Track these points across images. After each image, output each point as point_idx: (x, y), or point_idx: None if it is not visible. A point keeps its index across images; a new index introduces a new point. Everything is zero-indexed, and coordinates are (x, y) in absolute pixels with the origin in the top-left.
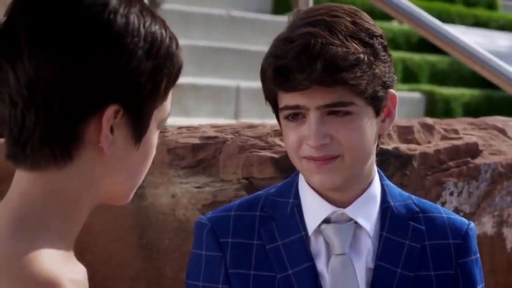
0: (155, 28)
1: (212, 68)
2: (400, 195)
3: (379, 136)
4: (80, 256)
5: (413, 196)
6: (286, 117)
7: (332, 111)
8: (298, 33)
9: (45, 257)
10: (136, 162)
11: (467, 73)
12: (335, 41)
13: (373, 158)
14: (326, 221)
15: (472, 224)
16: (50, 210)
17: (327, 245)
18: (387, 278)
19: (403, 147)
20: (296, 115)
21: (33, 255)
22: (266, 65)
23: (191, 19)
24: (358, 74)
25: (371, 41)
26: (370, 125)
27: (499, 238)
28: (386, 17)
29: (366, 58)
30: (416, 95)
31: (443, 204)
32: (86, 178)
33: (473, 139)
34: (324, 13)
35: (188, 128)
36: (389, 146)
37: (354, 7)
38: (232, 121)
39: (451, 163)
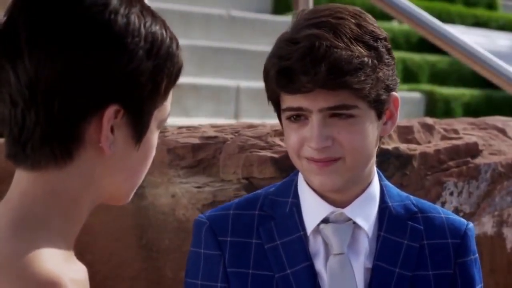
0: (156, 28)
1: (212, 68)
2: (399, 195)
3: (380, 137)
4: (80, 256)
5: (411, 197)
6: (288, 118)
7: (335, 113)
8: (302, 35)
9: (46, 256)
10: (136, 162)
11: (467, 73)
12: (340, 44)
13: (373, 159)
14: (325, 221)
15: (471, 224)
16: (50, 210)
17: (326, 244)
18: (385, 278)
19: (403, 147)
20: (299, 116)
21: (33, 255)
22: (269, 65)
23: (191, 19)
24: (362, 78)
25: (375, 44)
26: (372, 128)
27: (499, 238)
28: (386, 17)
29: (370, 62)
30: (416, 95)
31: (443, 204)
32: (86, 178)
33: (473, 139)
34: (329, 15)
35: (188, 128)
36: (389, 146)
37: (358, 9)
38: (232, 121)
39: (451, 163)
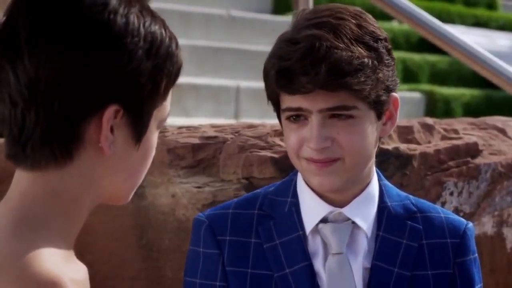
0: (155, 28)
1: (212, 68)
2: (398, 195)
3: (380, 138)
4: (80, 256)
5: (411, 196)
6: (288, 118)
7: (334, 114)
8: (302, 35)
9: (46, 256)
10: (136, 162)
11: (467, 73)
12: (340, 44)
13: (373, 160)
14: (324, 220)
15: (471, 224)
16: (50, 210)
17: (325, 244)
18: (384, 278)
19: (403, 147)
20: (298, 116)
21: (33, 254)
22: (269, 65)
23: (191, 19)
24: (362, 79)
25: (375, 44)
26: (371, 129)
27: (499, 238)
28: (386, 17)
29: (370, 63)
30: (416, 95)
31: (443, 204)
32: (86, 178)
33: (473, 139)
34: (329, 15)
35: (188, 128)
36: (389, 146)
37: (359, 9)
38: (232, 121)
39: (451, 163)
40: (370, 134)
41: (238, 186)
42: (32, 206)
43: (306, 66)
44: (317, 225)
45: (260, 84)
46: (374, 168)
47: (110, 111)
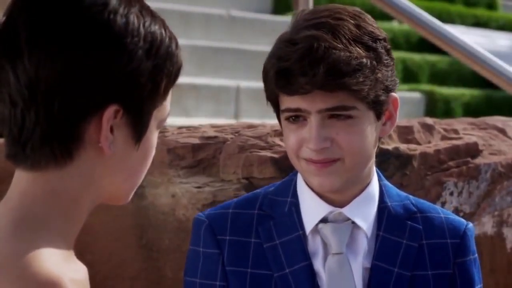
0: (155, 28)
1: (212, 68)
2: (398, 195)
3: (379, 138)
4: (80, 256)
5: (411, 197)
6: (287, 119)
7: (333, 114)
8: (301, 36)
9: (46, 256)
10: (136, 162)
11: (467, 73)
12: (338, 45)
13: (373, 160)
14: (324, 220)
15: (471, 225)
16: (50, 210)
17: (324, 244)
18: (384, 278)
19: (403, 147)
20: (297, 117)
21: (33, 254)
22: (269, 66)
23: (191, 19)
24: (361, 79)
25: (374, 45)
26: (371, 129)
27: (499, 238)
28: (386, 17)
29: (369, 63)
30: (416, 95)
31: (443, 204)
32: (86, 178)
33: (473, 139)
34: (328, 16)
35: (188, 128)
36: (389, 146)
37: (358, 9)
38: (232, 121)
39: (451, 163)
40: (370, 134)
41: (238, 186)
42: (32, 206)
43: (305, 66)
44: (317, 225)
45: (260, 84)
46: (374, 168)
47: (110, 111)
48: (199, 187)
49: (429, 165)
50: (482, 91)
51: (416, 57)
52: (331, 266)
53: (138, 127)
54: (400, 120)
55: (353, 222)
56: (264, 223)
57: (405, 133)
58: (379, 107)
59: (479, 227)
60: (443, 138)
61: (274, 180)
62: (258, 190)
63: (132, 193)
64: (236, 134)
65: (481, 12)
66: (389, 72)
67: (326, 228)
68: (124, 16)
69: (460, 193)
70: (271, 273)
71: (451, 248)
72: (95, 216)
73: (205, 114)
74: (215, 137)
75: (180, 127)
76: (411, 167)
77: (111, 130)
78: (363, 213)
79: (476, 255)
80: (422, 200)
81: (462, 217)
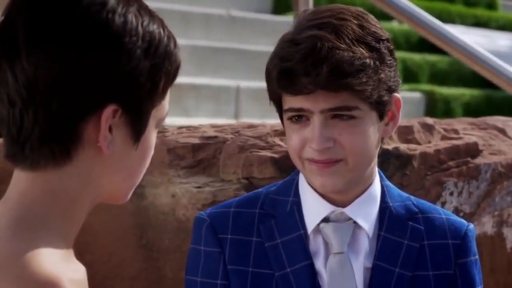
0: (153, 27)
1: (212, 68)
2: (399, 195)
3: (382, 138)
4: (80, 256)
5: (412, 197)
6: (290, 119)
7: (336, 114)
8: (304, 36)
9: (45, 256)
10: (135, 162)
11: (467, 73)
12: (342, 45)
13: (375, 160)
14: (325, 220)
15: (472, 226)
16: (50, 210)
17: (326, 244)
18: (385, 278)
19: (403, 147)
20: (300, 117)
21: (33, 254)
22: (271, 66)
23: (191, 19)
24: (364, 80)
25: (377, 45)
26: (373, 129)
27: (499, 238)
28: (386, 17)
29: (372, 63)
30: (416, 95)
31: (443, 204)
32: (85, 178)
33: (473, 139)
34: (331, 16)
35: (188, 128)
36: (389, 146)
37: (361, 9)
38: (232, 121)
39: (451, 163)
40: (372, 134)
41: (238, 186)
42: (31, 206)
43: (308, 66)
44: (318, 224)
45: (260, 84)
46: (377, 169)
47: (108, 110)
48: (199, 187)
49: (429, 165)
50: (482, 91)
51: (416, 57)
52: (332, 265)
53: (136, 126)
54: (400, 120)
55: (354, 222)
56: (266, 222)
57: (405, 133)
58: (382, 108)
59: (479, 227)
60: (443, 138)
61: (274, 180)
62: (259, 189)
63: (131, 192)
64: (236, 134)
65: (481, 12)
66: (392, 73)
67: (327, 228)
68: (122, 16)
69: (460, 193)
70: (272, 272)
71: (452, 249)
72: (94, 216)
73: (205, 114)
74: (215, 137)
75: (180, 127)
76: (411, 167)
77: (110, 129)
78: (365, 213)
79: (477, 256)
80: (423, 201)
81: (462, 217)
